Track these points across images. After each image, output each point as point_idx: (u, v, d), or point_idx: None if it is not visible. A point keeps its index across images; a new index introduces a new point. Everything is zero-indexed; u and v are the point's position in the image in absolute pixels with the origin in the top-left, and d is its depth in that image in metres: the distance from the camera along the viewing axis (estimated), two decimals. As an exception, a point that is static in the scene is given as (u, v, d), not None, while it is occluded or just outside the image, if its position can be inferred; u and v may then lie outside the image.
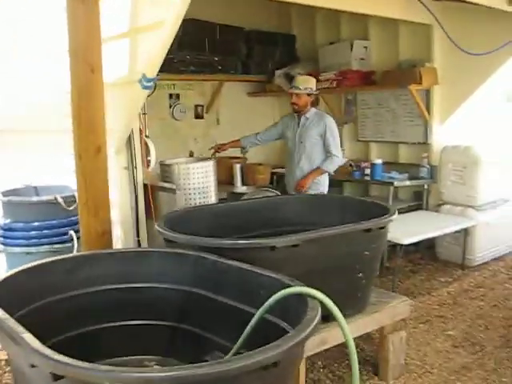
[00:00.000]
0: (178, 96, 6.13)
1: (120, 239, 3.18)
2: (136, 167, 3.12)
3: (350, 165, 5.80)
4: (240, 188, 5.66)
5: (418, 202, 5.50)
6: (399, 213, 5.21)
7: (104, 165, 2.68)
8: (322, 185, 4.40)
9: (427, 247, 5.23)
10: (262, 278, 1.84)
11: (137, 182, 3.14)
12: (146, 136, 3.25)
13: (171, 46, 5.53)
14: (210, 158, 3.52)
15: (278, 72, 6.18)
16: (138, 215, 3.16)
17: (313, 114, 4.35)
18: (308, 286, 2.43)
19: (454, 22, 5.05)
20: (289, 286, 1.72)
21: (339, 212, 3.17)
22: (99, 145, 2.64)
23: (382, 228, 2.62)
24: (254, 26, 6.20)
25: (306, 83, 4.27)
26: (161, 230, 2.42)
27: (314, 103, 4.41)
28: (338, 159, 4.35)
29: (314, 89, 4.34)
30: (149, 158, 3.27)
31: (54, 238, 3.56)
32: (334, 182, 6.18)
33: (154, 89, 3.55)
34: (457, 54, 5.07)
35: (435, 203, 5.36)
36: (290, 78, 6.12)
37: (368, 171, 5.45)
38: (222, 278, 2.02)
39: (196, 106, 6.33)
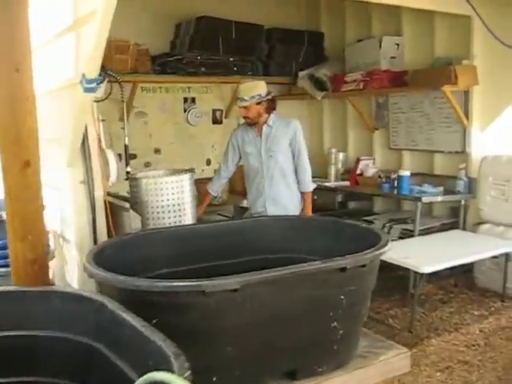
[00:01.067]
0: (193, 99, 5.73)
1: (76, 263, 2.78)
2: (93, 181, 2.71)
3: (379, 176, 5.19)
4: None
5: (454, 219, 4.81)
6: (429, 232, 4.67)
7: (35, 181, 2.28)
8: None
9: (464, 271, 4.53)
10: (150, 344, 1.35)
11: (94, 197, 2.73)
12: (105, 146, 2.84)
13: (180, 45, 5.30)
14: (188, 171, 3.05)
15: (301, 73, 5.66)
16: (96, 236, 2.76)
17: (275, 121, 3.68)
18: (266, 338, 1.97)
19: (496, 15, 4.36)
20: (167, 360, 1.23)
21: (330, 239, 2.62)
22: (27, 159, 2.24)
23: (364, 266, 2.06)
24: (275, 23, 5.71)
25: (251, 91, 3.58)
26: (86, 263, 1.98)
27: (271, 108, 3.68)
28: (310, 172, 3.73)
29: (264, 93, 3.61)
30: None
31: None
32: (363, 196, 5.62)
33: (109, 94, 3.15)
34: (500, 50, 4.38)
35: (473, 222, 4.66)
36: (314, 80, 5.61)
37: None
38: (119, 335, 1.55)
39: (214, 111, 5.90)
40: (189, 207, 3.02)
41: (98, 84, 2.41)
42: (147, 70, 5.13)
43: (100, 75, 2.47)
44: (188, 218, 3.02)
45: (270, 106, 3.68)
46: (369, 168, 5.46)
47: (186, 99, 5.69)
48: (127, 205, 2.77)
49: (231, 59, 5.27)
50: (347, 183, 5.42)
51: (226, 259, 2.61)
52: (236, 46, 5.31)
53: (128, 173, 3.37)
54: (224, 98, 5.91)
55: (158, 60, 5.16)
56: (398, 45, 5.11)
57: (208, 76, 5.25)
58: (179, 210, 2.98)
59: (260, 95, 3.59)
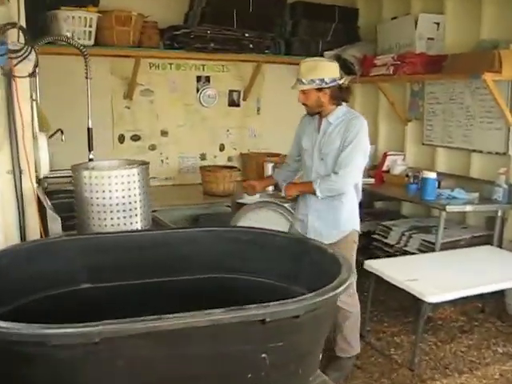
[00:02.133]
0: (207, 79, 5.22)
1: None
2: (21, 172, 2.28)
3: (407, 175, 4.53)
4: (270, 192, 4.73)
5: (489, 232, 4.10)
6: (455, 246, 3.98)
7: None
8: (343, 213, 2.95)
9: (493, 292, 3.83)
10: None
11: (22, 192, 2.30)
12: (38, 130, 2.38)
13: (193, 18, 4.78)
14: (142, 164, 2.56)
15: (327, 54, 5.01)
16: (24, 237, 2.34)
17: (340, 116, 2.89)
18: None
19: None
20: None
21: (290, 261, 2.06)
22: None
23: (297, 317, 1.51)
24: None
25: (311, 73, 2.81)
26: None
27: (338, 98, 2.88)
28: (338, 183, 2.85)
29: (329, 79, 2.80)
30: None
31: None
32: (384, 197, 4.97)
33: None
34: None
35: (511, 237, 3.94)
36: (341, 62, 4.94)
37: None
38: None
39: (231, 92, 5.36)
40: (139, 207, 2.54)
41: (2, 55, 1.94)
42: (154, 44, 4.66)
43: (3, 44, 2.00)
44: (138, 220, 2.55)
45: (338, 95, 2.87)
46: (397, 165, 4.81)
47: (199, 78, 5.19)
48: (48, 204, 2.31)
49: (246, 35, 4.70)
50: (372, 180, 4.78)
51: (161, 276, 2.13)
52: (253, 20, 4.74)
53: (91, 160, 2.94)
54: (243, 78, 5.36)
55: (165, 34, 4.68)
56: (437, 24, 4.38)
57: (219, 53, 4.71)
58: (128, 210, 2.50)
59: (322, 80, 2.80)
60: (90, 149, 3.02)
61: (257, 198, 4.14)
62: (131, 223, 2.51)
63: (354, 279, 2.92)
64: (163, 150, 5.13)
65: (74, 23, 4.04)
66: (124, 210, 2.48)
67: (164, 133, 5.12)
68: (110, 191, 2.43)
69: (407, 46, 4.44)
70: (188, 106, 5.19)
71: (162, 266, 2.16)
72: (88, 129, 3.02)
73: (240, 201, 3.97)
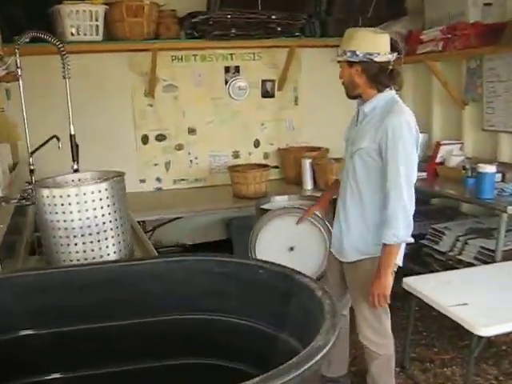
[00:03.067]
0: (237, 69, 4.75)
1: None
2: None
3: (464, 167, 3.87)
4: (308, 191, 4.32)
5: None
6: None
7: None
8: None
9: None
10: None
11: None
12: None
13: (215, 4, 4.32)
14: (117, 175, 2.15)
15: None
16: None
17: (376, 106, 2.32)
18: None
19: None
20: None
21: (277, 300, 1.58)
22: None
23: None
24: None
25: (346, 43, 2.28)
26: None
27: (381, 83, 2.28)
28: (405, 203, 2.21)
29: (362, 52, 2.21)
30: None
31: None
32: (442, 195, 4.29)
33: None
34: None
35: None
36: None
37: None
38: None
39: (264, 82, 4.87)
40: (111, 228, 2.13)
41: None
42: (173, 34, 4.24)
43: None
44: (110, 244, 2.14)
45: (376, 77, 2.28)
46: (452, 155, 4.14)
47: (227, 68, 4.73)
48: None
49: (273, 17, 4.18)
50: (424, 175, 4.14)
51: (119, 318, 1.72)
52: (281, 0, 4.21)
53: (76, 171, 2.56)
54: (276, 66, 4.85)
55: (185, 22, 4.26)
56: (496, -14, 3.67)
57: (242, 39, 4.23)
58: (96, 234, 2.09)
59: (353, 52, 2.23)
60: (74, 159, 2.64)
61: (284, 201, 3.67)
62: (101, 248, 2.09)
63: (387, 321, 2.41)
64: (191, 149, 4.73)
65: (79, 17, 3.69)
66: (90, 234, 2.07)
67: (191, 131, 4.72)
68: (70, 212, 2.03)
69: (460, 16, 3.76)
70: (216, 100, 4.75)
71: (119, 307, 1.74)
72: (70, 135, 2.64)
73: (263, 206, 3.49)
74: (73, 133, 2.57)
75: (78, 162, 2.59)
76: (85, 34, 3.74)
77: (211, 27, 4.06)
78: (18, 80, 2.70)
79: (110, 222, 2.12)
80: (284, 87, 4.88)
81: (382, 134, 2.23)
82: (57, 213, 2.02)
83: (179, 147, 4.70)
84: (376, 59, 2.23)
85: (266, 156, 4.97)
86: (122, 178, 2.19)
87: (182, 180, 4.77)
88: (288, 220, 3.21)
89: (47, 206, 2.04)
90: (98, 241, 2.09)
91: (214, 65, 4.69)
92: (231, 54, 4.71)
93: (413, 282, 2.70)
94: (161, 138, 4.63)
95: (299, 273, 1.88)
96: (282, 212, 3.29)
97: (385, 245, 2.23)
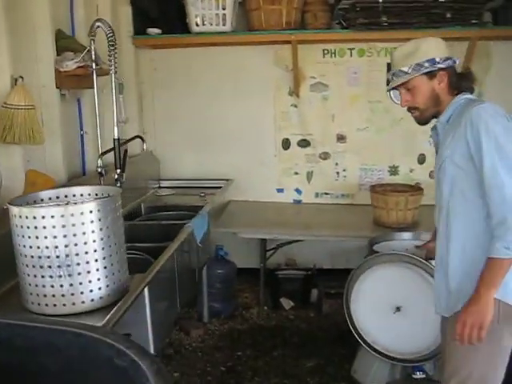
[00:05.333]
0: (402, 67, 3.90)
1: None
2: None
3: None
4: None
5: None
6: None
7: None
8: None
9: None
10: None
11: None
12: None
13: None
14: (107, 196, 1.69)
15: None
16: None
17: (458, 109, 1.85)
18: None
19: None
20: None
21: None
22: None
23: None
24: None
25: (414, 56, 1.88)
26: None
27: (457, 87, 1.88)
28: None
29: (443, 57, 1.84)
30: None
31: None
32: None
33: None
34: None
35: None
36: None
37: None
38: None
39: (436, 82, 3.92)
40: (95, 260, 1.69)
41: None
42: (323, 25, 3.64)
43: None
44: (93, 281, 1.70)
45: (455, 82, 1.89)
46: None
47: (390, 65, 3.91)
48: None
49: (441, 0, 3.25)
50: None
51: None
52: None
53: (117, 180, 2.12)
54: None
55: (334, 10, 3.61)
56: None
57: (396, 29, 3.39)
58: (77, 265, 1.66)
59: (433, 61, 1.85)
60: (117, 166, 2.24)
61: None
62: (81, 283, 1.67)
63: None
64: (339, 159, 4.06)
65: (204, 6, 3.34)
66: (69, 265, 1.65)
67: (341, 138, 4.04)
68: (45, 237, 1.63)
69: None
70: (374, 104, 3.98)
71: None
72: (114, 140, 2.23)
73: (375, 247, 2.68)
74: (116, 137, 2.17)
75: (123, 170, 2.20)
76: (210, 24, 3.38)
77: (358, 14, 3.32)
78: (109, 73, 2.42)
79: (95, 251, 1.68)
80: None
81: (462, 134, 1.75)
82: (24, 236, 1.65)
83: (325, 156, 4.07)
84: (442, 64, 1.86)
85: (432, 175, 4.01)
86: (114, 198, 1.73)
87: (326, 194, 4.14)
88: (397, 270, 2.38)
89: (16, 227, 1.68)
90: (79, 273, 1.68)
91: (374, 61, 3.93)
92: (395, 48, 3.86)
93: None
94: (304, 143, 4.07)
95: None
96: (391, 258, 2.46)
97: (491, 259, 1.67)
